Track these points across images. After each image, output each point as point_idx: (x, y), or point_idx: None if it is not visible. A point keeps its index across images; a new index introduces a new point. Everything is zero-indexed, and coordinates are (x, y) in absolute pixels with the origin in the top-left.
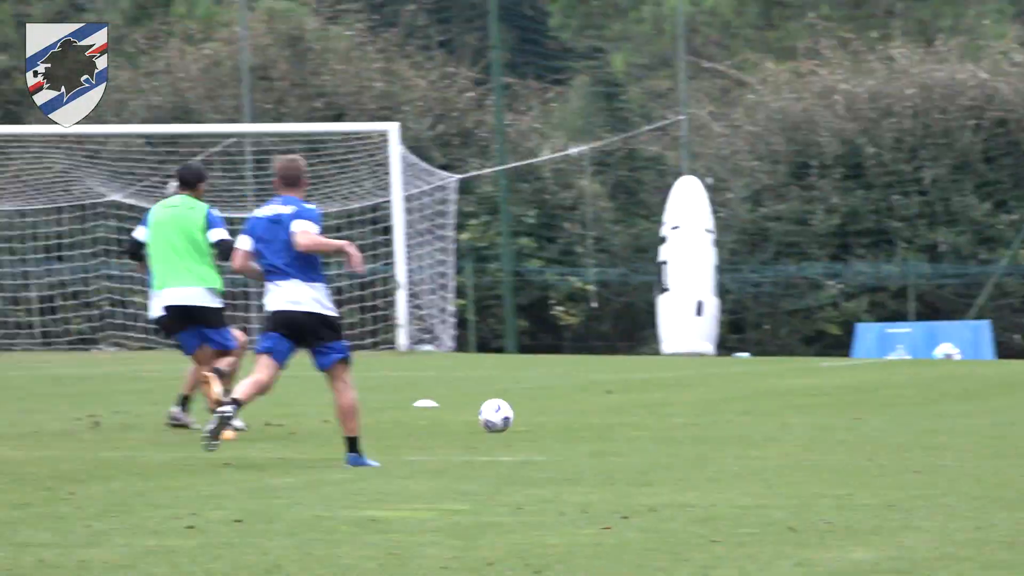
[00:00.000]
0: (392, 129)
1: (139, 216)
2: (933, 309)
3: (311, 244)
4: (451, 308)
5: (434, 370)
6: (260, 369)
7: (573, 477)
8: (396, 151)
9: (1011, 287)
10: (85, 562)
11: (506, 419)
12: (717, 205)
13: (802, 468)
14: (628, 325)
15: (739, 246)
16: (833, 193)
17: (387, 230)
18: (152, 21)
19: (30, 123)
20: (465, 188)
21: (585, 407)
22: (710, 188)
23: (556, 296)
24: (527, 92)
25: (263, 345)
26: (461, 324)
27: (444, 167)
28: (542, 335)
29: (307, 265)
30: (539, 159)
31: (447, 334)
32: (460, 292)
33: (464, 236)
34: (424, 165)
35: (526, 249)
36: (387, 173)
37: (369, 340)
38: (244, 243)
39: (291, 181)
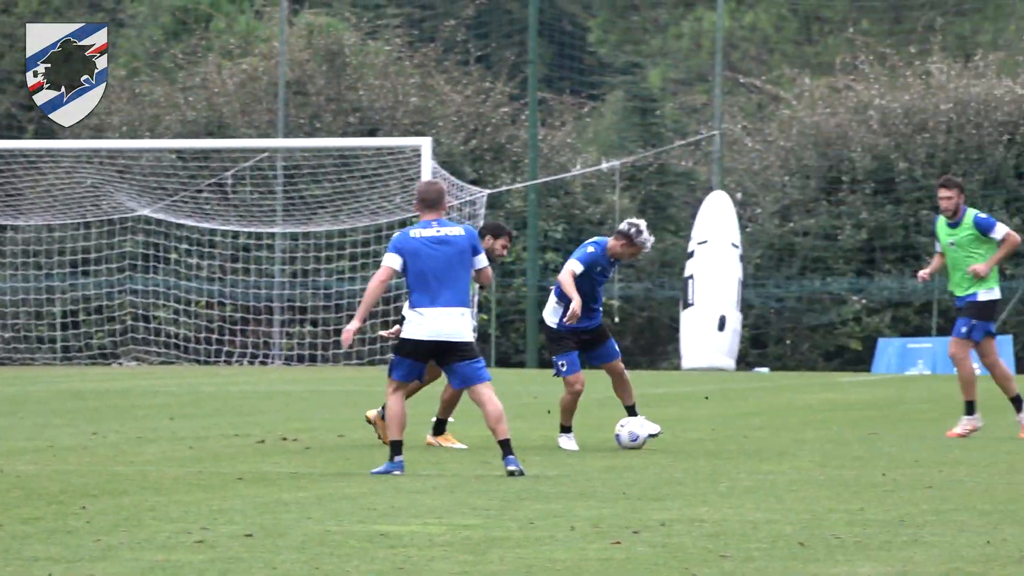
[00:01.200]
0: (424, 144)
1: (166, 230)
2: None
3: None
4: (473, 323)
5: None
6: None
7: (585, 492)
8: (427, 166)
9: None
10: None
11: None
12: (746, 220)
13: (815, 483)
14: (650, 340)
15: (765, 261)
16: (862, 208)
17: None
18: (192, 36)
19: (64, 138)
20: (494, 203)
21: (602, 422)
22: (739, 203)
23: None
24: (562, 107)
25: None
26: (482, 339)
27: (474, 182)
28: None
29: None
30: (570, 174)
31: None
32: (483, 307)
33: None
34: (454, 180)
35: (552, 264)
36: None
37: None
38: (393, 262)
39: (432, 203)
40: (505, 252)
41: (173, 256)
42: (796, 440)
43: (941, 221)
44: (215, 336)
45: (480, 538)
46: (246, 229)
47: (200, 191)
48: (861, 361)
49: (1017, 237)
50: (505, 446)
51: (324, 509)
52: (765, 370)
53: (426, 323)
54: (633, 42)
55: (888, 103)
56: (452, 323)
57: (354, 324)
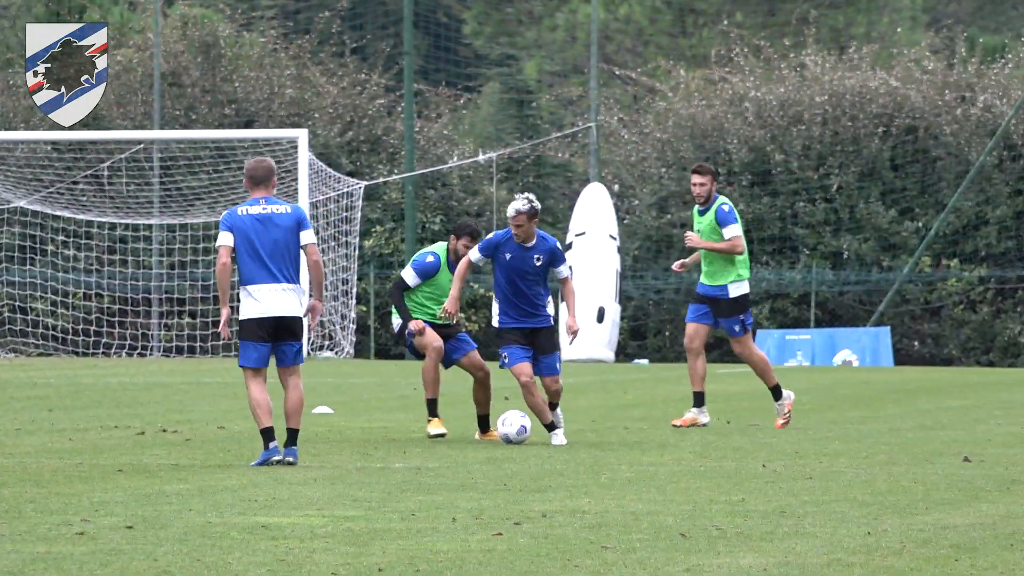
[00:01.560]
0: (301, 136)
1: (42, 222)
2: (834, 316)
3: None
4: (352, 315)
5: (333, 376)
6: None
7: (467, 483)
8: (304, 158)
9: (912, 294)
10: None
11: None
12: (623, 212)
13: (696, 474)
14: None
15: (643, 253)
16: (739, 200)
17: None
18: None
19: None
20: (371, 195)
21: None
22: (616, 195)
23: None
24: (438, 99)
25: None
26: (362, 330)
27: (351, 174)
28: None
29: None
30: (447, 166)
31: (347, 341)
32: (362, 299)
33: (368, 243)
34: (331, 172)
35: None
36: (294, 180)
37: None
38: (227, 239)
39: (260, 180)
40: (468, 251)
41: (50, 248)
42: (677, 431)
43: (696, 209)
44: (93, 328)
45: (362, 530)
46: (123, 221)
47: (76, 183)
48: None
49: (741, 247)
50: (292, 435)
51: (205, 501)
52: (644, 362)
53: (259, 302)
54: (508, 34)
55: (763, 95)
56: (285, 300)
57: (224, 314)
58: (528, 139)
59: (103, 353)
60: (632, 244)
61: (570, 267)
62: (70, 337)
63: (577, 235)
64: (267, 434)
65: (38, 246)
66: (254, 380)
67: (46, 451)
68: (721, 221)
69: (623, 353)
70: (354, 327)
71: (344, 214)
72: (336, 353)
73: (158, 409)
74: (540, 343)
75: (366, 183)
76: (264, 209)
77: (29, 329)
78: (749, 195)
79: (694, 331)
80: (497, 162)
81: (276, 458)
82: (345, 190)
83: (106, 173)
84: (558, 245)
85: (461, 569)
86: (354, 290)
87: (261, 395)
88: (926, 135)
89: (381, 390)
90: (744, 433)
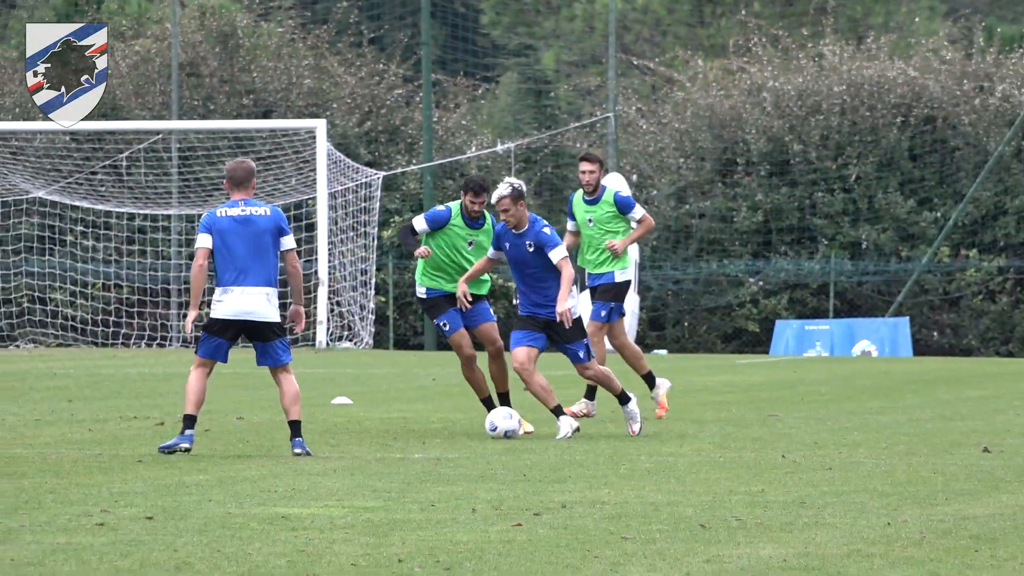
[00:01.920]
0: (319, 126)
1: (61, 212)
2: (853, 306)
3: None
4: (371, 305)
5: (352, 367)
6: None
7: (486, 474)
8: (322, 148)
9: (931, 284)
10: None
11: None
12: (642, 202)
13: (715, 465)
14: None
15: (662, 243)
16: (758, 190)
17: (311, 227)
18: (84, 18)
19: None
20: (389, 185)
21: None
22: (635, 185)
23: None
24: (456, 89)
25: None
26: (380, 321)
27: (370, 164)
28: None
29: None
30: (465, 156)
31: (366, 331)
32: (381, 289)
33: (387, 233)
34: (349, 162)
35: None
36: (313, 170)
37: (288, 337)
38: (206, 241)
39: (240, 182)
40: (476, 207)
41: (69, 238)
42: (696, 422)
43: (578, 197)
44: (112, 318)
45: (381, 521)
46: (141, 211)
47: (94, 173)
48: (759, 343)
49: (652, 220)
50: (295, 427)
51: (225, 491)
52: (663, 352)
53: (231, 302)
54: (526, 24)
55: (781, 85)
56: (257, 303)
57: (191, 314)
58: (546, 129)
59: (122, 344)
60: (650, 235)
61: (565, 249)
62: (89, 328)
63: None
64: (187, 421)
65: (57, 236)
66: (199, 369)
67: (66, 442)
68: (624, 207)
69: (642, 344)
70: (373, 317)
71: (363, 204)
72: (355, 344)
73: (177, 400)
74: (560, 333)
75: (384, 173)
76: (243, 211)
77: (48, 320)
78: (768, 185)
79: (615, 327)
80: (515, 152)
81: (184, 445)
82: (363, 180)
83: (124, 163)
84: (545, 229)
85: (481, 560)
86: (373, 280)
87: (197, 384)
88: (944, 125)
89: (400, 380)
90: (763, 424)
